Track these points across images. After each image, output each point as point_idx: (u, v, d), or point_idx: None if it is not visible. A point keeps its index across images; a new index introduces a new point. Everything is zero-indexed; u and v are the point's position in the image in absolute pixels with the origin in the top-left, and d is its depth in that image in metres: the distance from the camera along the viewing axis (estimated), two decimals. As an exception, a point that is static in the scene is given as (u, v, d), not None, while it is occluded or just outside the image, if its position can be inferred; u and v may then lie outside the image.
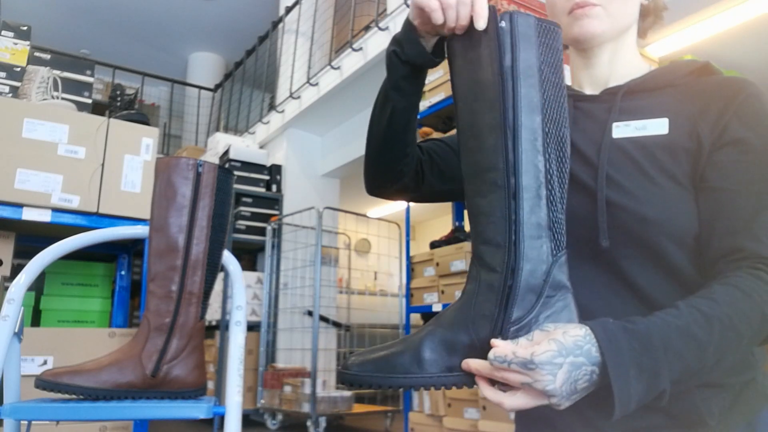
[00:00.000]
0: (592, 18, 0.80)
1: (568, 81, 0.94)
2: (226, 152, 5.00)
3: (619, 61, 0.85)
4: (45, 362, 1.80)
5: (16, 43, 2.27)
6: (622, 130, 0.78)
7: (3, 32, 2.28)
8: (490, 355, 0.59)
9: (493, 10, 0.65)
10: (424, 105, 2.95)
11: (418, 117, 2.92)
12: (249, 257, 5.26)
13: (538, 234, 0.62)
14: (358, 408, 4.03)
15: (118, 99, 2.36)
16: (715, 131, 0.73)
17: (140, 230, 1.24)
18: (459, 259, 2.63)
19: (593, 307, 0.74)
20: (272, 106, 5.61)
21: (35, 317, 2.20)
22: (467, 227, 2.02)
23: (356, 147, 4.89)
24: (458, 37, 0.68)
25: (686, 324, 0.62)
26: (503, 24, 0.64)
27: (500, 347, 0.59)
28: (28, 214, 1.84)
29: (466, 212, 2.04)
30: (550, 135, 0.64)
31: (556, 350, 0.57)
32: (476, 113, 0.65)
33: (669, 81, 0.81)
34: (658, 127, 0.76)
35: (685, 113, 0.76)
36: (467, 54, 0.66)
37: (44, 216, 1.86)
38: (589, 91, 0.87)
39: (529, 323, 0.61)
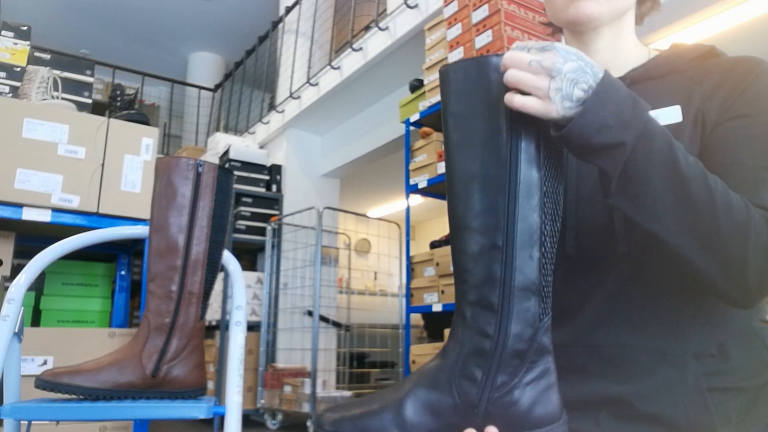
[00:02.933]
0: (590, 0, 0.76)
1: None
2: (226, 152, 5.00)
3: (619, 47, 0.81)
4: (45, 362, 1.80)
5: (16, 43, 2.27)
6: None
7: (3, 32, 2.28)
8: (513, 45, 0.61)
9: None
10: (424, 105, 2.94)
11: (419, 117, 2.93)
12: (249, 257, 5.26)
13: (527, 297, 0.59)
14: (358, 408, 4.02)
15: (118, 99, 2.36)
16: (721, 111, 0.71)
17: (140, 230, 1.24)
18: (459, 259, 2.62)
19: (616, 322, 0.72)
20: (272, 106, 5.61)
21: (35, 317, 2.20)
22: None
23: (356, 147, 4.88)
24: (459, 74, 0.61)
25: (678, 147, 0.61)
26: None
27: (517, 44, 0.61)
28: (28, 214, 1.84)
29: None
30: (549, 194, 0.60)
31: (575, 53, 0.60)
32: (471, 164, 0.61)
33: (673, 68, 0.77)
34: (671, 115, 0.73)
35: (695, 97, 0.73)
36: (470, 99, 0.61)
37: (44, 216, 1.87)
38: None
39: (512, 388, 0.59)
